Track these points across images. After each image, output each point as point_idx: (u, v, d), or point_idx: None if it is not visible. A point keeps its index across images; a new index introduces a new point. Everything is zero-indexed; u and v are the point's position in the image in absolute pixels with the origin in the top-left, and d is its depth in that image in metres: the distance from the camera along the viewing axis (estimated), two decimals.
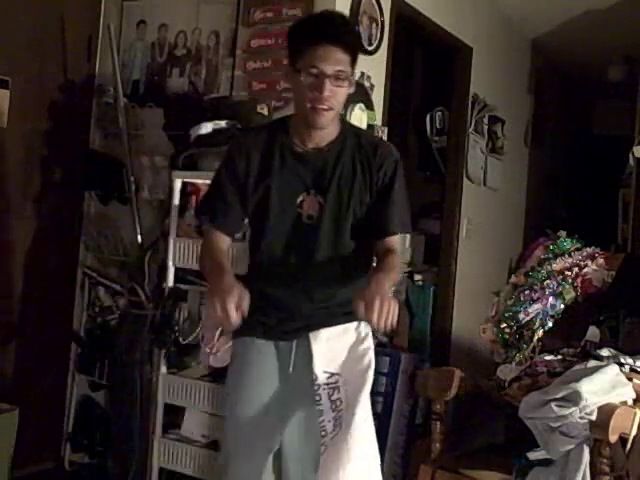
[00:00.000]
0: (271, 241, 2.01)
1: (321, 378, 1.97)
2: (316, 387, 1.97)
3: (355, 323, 2.03)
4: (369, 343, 2.07)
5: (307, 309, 2.03)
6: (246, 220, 2.10)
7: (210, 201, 2.09)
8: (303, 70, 1.87)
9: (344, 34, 1.91)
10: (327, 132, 1.98)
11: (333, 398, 1.98)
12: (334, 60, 1.86)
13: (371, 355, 2.05)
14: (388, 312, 1.75)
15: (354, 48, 1.93)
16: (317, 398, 1.97)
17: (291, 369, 2.03)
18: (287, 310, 2.04)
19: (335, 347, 2.01)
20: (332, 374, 1.98)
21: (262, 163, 1.99)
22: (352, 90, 1.97)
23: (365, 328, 2.06)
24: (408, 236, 4.04)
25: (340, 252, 2.01)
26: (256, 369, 2.06)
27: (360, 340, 2.04)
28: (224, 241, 2.04)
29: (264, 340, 2.06)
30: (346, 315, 2.00)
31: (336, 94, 1.89)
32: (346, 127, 2.06)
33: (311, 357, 1.99)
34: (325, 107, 1.88)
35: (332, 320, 2.03)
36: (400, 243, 2.14)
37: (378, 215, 2.02)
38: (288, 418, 2.03)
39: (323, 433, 1.96)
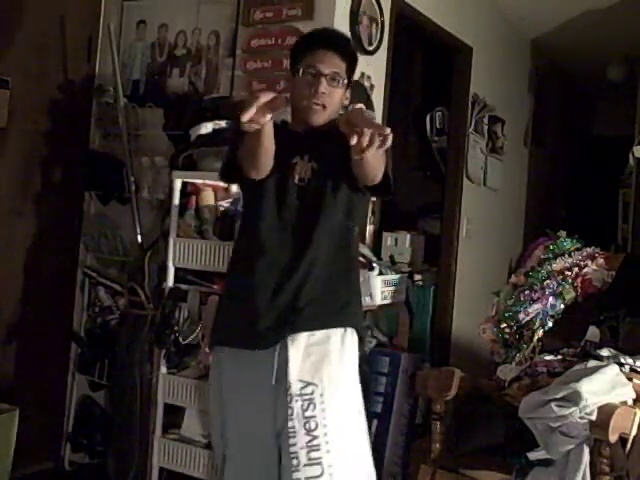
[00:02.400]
0: (263, 205, 1.99)
1: (295, 387, 1.83)
2: (289, 398, 1.82)
3: (341, 330, 1.94)
4: (355, 354, 1.96)
5: (290, 295, 1.91)
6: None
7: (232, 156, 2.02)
8: (302, 69, 1.99)
9: (342, 43, 2.07)
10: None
11: (307, 414, 1.81)
12: (331, 63, 1.99)
13: (355, 368, 1.94)
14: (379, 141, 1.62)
15: (350, 58, 2.05)
16: (289, 412, 1.81)
17: (273, 380, 1.88)
18: (269, 297, 1.92)
19: (314, 354, 1.88)
20: (307, 383, 1.84)
21: None
22: (347, 102, 2.08)
23: (352, 337, 1.96)
24: (408, 236, 4.04)
25: (328, 224, 1.97)
26: (240, 386, 1.94)
27: (345, 350, 1.93)
28: None
29: (245, 349, 1.95)
30: (331, 319, 1.93)
31: (331, 94, 1.98)
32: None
33: (287, 363, 1.86)
34: (319, 102, 1.97)
35: (315, 322, 1.92)
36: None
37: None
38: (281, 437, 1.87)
39: (295, 462, 1.79)
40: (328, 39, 2.06)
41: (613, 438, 2.14)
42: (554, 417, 2.18)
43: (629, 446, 2.20)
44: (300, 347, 1.88)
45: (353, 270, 2.09)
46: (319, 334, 1.91)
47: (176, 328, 2.90)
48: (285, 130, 2.06)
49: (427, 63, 4.92)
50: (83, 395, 3.50)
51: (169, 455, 2.89)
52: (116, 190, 3.39)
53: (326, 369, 1.87)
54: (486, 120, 4.56)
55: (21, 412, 2.98)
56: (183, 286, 2.94)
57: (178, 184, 2.93)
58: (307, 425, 1.79)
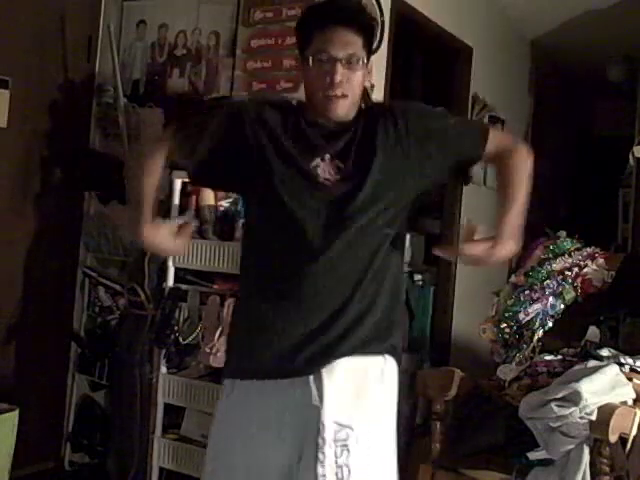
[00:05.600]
0: (281, 209, 1.68)
1: (329, 431, 1.59)
2: (321, 441, 1.59)
3: (380, 358, 1.69)
4: (395, 385, 1.73)
5: (321, 311, 1.66)
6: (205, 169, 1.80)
7: (188, 124, 1.85)
8: (312, 56, 1.69)
9: (354, 15, 1.72)
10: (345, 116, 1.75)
11: (340, 462, 1.59)
12: (344, 43, 1.67)
13: (394, 402, 1.72)
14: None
15: (366, 29, 1.73)
16: (320, 457, 1.58)
17: (315, 401, 1.62)
18: (295, 315, 1.67)
19: (350, 391, 1.64)
20: (342, 426, 1.61)
21: (272, 129, 1.72)
22: (369, 82, 1.82)
23: (392, 364, 1.72)
24: (408, 236, 4.04)
25: (365, 232, 1.68)
26: (255, 433, 1.67)
27: (384, 383, 1.70)
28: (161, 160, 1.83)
29: (264, 380, 1.69)
30: (372, 344, 1.68)
31: (350, 80, 1.68)
32: (368, 108, 1.82)
33: (322, 400, 1.61)
34: (339, 94, 1.67)
35: (355, 348, 1.66)
36: (502, 136, 1.89)
37: (451, 155, 1.76)
38: None
39: None
40: (336, 12, 1.70)
41: (613, 438, 2.14)
42: (554, 417, 2.18)
43: (629, 446, 2.20)
44: (336, 381, 1.64)
45: (396, 289, 1.80)
46: (357, 364, 1.67)
47: (176, 328, 2.90)
48: (299, 118, 1.75)
49: (427, 63, 4.92)
50: (83, 395, 3.50)
51: (169, 455, 2.89)
52: (116, 190, 3.38)
53: (363, 410, 1.65)
54: (486, 120, 4.55)
55: (21, 412, 2.98)
56: (183, 286, 2.94)
57: (178, 184, 2.93)
58: (339, 474, 1.60)
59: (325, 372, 1.63)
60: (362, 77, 1.71)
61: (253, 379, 1.70)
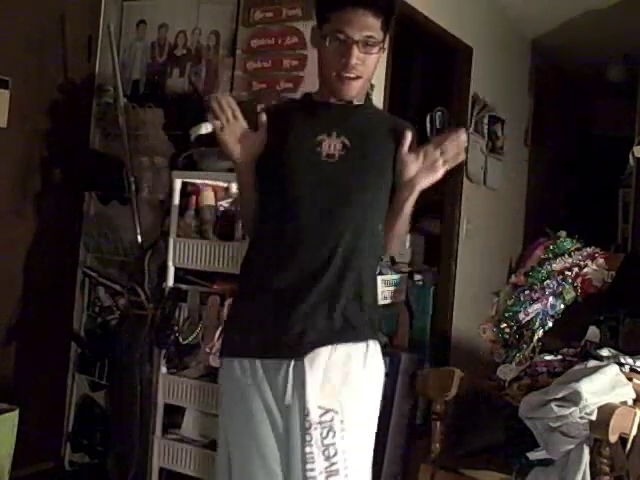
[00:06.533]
0: (287, 182, 1.79)
1: (314, 414, 1.69)
2: (307, 424, 1.69)
3: (363, 345, 1.78)
4: (379, 367, 1.82)
5: (311, 294, 1.74)
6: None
7: None
8: (329, 35, 1.74)
9: None
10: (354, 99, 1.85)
11: (326, 442, 1.69)
12: (363, 25, 1.72)
13: (379, 384, 1.82)
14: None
15: (386, 11, 1.76)
16: (307, 438, 1.69)
17: (288, 398, 1.73)
18: (287, 296, 1.75)
19: (334, 377, 1.73)
20: (327, 410, 1.70)
21: (280, 120, 1.84)
22: (383, 55, 1.83)
23: (375, 349, 1.80)
24: (408, 236, 4.04)
25: (358, 209, 1.79)
26: (250, 409, 1.78)
27: (367, 368, 1.78)
28: None
29: (256, 359, 1.78)
30: (357, 331, 1.77)
31: (365, 61, 1.75)
32: (371, 101, 1.96)
33: (304, 386, 1.71)
34: (352, 75, 1.75)
35: (334, 335, 1.75)
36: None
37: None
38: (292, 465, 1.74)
39: None
40: None
41: (613, 438, 2.14)
42: (554, 417, 2.18)
43: (629, 446, 2.20)
44: (319, 368, 1.72)
45: (375, 274, 1.94)
46: (341, 350, 1.75)
47: (176, 328, 2.90)
48: (308, 103, 1.89)
49: (427, 63, 4.92)
50: (83, 395, 3.50)
51: (169, 455, 2.89)
52: (116, 190, 3.38)
53: (346, 394, 1.73)
54: (486, 120, 4.56)
55: (21, 412, 2.98)
56: (183, 286, 2.94)
57: (178, 184, 2.93)
58: (326, 452, 1.69)
59: (307, 360, 1.72)
60: (377, 58, 1.78)
61: (244, 357, 1.79)
